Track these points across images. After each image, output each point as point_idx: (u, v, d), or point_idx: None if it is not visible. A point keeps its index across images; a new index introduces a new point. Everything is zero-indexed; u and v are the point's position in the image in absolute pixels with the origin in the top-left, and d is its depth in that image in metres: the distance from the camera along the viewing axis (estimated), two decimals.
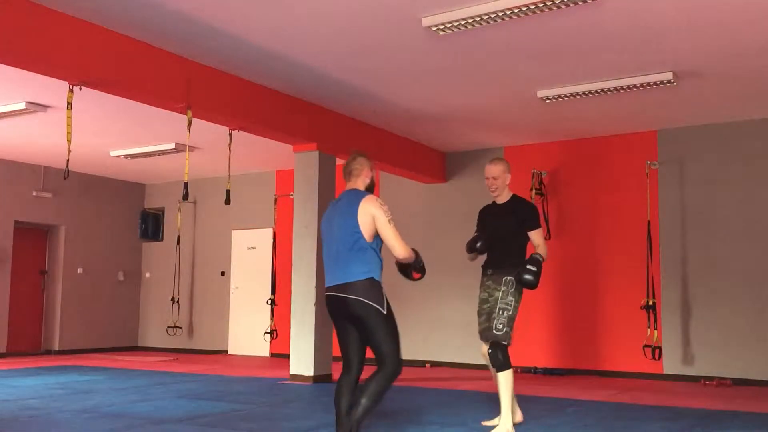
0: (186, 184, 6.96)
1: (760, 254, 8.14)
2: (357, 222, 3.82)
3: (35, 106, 8.03)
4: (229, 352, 11.98)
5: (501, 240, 4.96)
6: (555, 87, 7.33)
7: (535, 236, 4.93)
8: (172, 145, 9.90)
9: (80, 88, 6.08)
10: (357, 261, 3.81)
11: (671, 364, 8.46)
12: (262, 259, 11.67)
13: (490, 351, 4.78)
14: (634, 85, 7.04)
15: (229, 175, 8.00)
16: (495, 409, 5.61)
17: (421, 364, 9.99)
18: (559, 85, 7.28)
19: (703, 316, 8.37)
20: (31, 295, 11.87)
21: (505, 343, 4.78)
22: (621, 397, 6.92)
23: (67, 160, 6.13)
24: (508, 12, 5.35)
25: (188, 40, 6.19)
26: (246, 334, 11.78)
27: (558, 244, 9.36)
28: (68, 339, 11.94)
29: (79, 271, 12.20)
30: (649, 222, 8.49)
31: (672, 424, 5.28)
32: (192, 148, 9.95)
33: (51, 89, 7.22)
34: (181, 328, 12.19)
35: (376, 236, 3.89)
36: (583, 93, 7.30)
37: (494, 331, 4.76)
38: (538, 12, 5.38)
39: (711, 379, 8.11)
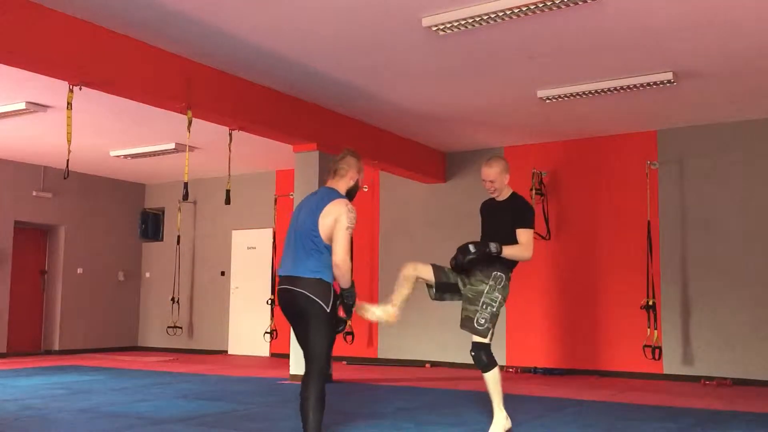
0: (186, 184, 6.96)
1: (760, 254, 8.14)
2: (318, 221, 3.79)
3: (35, 106, 8.03)
4: (229, 352, 11.99)
5: (496, 236, 4.81)
6: (555, 87, 7.33)
7: (522, 234, 4.75)
8: (172, 145, 9.90)
9: (80, 88, 6.08)
10: (310, 259, 3.78)
11: (671, 364, 8.46)
12: (262, 259, 11.67)
13: (472, 353, 4.66)
14: (634, 85, 7.04)
15: (229, 175, 8.00)
16: (490, 409, 5.62)
17: (421, 364, 9.99)
18: (559, 85, 7.28)
19: (703, 316, 8.37)
20: (31, 295, 11.87)
21: (487, 341, 4.65)
22: (621, 397, 6.92)
23: (67, 160, 6.12)
24: (508, 12, 5.35)
25: (188, 40, 6.19)
26: (246, 334, 11.78)
27: (558, 244, 9.36)
28: (68, 339, 11.94)
29: (79, 271, 12.20)
30: (649, 222, 8.49)
31: (672, 424, 5.28)
32: (192, 148, 9.95)
33: (51, 89, 7.22)
34: (181, 328, 12.19)
35: None
36: (583, 93, 7.30)
37: (475, 325, 4.62)
38: (538, 12, 5.38)
39: (711, 379, 8.11)
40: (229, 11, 5.56)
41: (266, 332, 10.86)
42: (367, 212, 10.81)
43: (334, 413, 5.72)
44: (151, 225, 13.15)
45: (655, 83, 6.94)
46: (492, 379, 4.65)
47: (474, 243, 4.65)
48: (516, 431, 4.94)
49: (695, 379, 8.25)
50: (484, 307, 4.65)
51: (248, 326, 11.73)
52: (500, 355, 9.47)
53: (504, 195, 4.95)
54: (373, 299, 10.65)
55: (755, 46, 6.12)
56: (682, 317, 8.48)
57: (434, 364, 9.97)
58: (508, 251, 4.67)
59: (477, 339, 4.65)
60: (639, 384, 8.05)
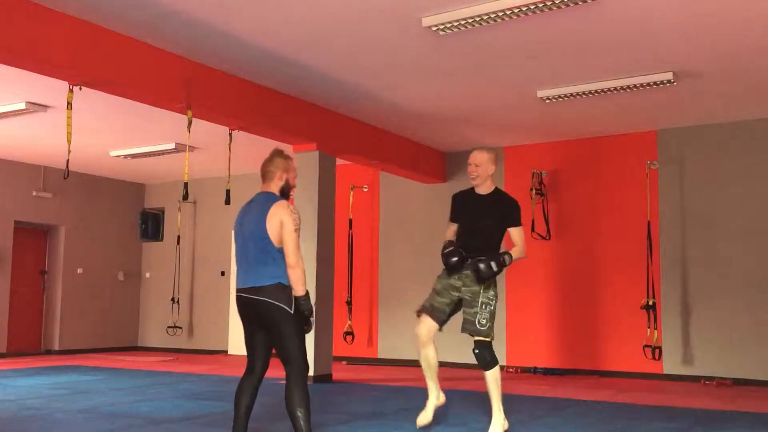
0: (186, 184, 6.96)
1: (760, 254, 8.14)
2: (265, 227, 3.81)
3: (35, 106, 8.03)
4: (229, 352, 11.98)
5: (480, 232, 4.78)
6: (555, 87, 7.33)
7: (516, 234, 4.75)
8: (172, 145, 9.89)
9: (80, 88, 6.08)
10: (266, 266, 3.81)
11: (671, 364, 8.46)
12: None
13: (476, 351, 4.66)
14: (634, 85, 7.04)
15: (229, 175, 8.00)
16: (490, 409, 5.62)
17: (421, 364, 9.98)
18: (559, 85, 7.28)
19: (703, 316, 8.37)
20: (31, 295, 11.87)
21: (490, 339, 4.67)
22: (621, 397, 6.92)
23: (67, 160, 6.12)
24: (508, 12, 5.35)
25: (188, 40, 6.19)
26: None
27: (558, 244, 9.36)
28: (68, 339, 11.94)
29: (79, 271, 12.20)
30: (649, 222, 8.49)
31: (672, 424, 5.28)
32: (192, 148, 9.94)
33: (51, 89, 7.22)
34: (181, 328, 12.18)
35: None
36: (583, 93, 7.30)
37: (478, 326, 4.62)
38: (538, 12, 5.38)
39: (711, 379, 8.11)
40: (229, 11, 5.57)
41: None
42: (367, 212, 10.81)
43: (334, 413, 5.72)
44: (151, 225, 13.15)
45: (655, 83, 6.94)
46: (493, 377, 4.66)
47: (493, 261, 4.56)
48: (516, 431, 4.94)
49: (695, 379, 8.25)
50: (483, 307, 4.66)
51: None
52: (500, 355, 9.41)
53: (486, 188, 4.87)
54: (373, 299, 10.66)
55: (755, 46, 6.12)
56: (682, 317, 8.48)
57: None
58: (516, 255, 4.70)
59: (480, 338, 4.66)
60: (639, 384, 8.05)
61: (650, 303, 8.18)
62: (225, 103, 7.10)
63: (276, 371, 9.49)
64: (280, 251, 3.82)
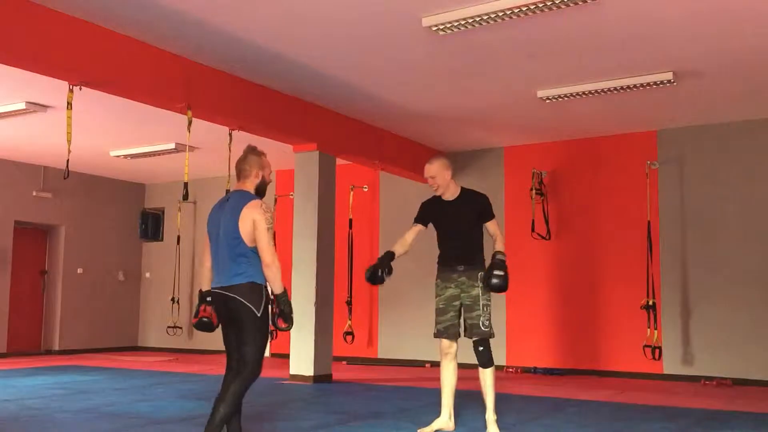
0: (186, 184, 6.96)
1: (760, 254, 8.14)
2: (238, 228, 3.81)
3: (35, 106, 8.03)
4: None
5: (462, 235, 4.90)
6: (555, 87, 7.33)
7: (492, 226, 4.91)
8: (172, 145, 9.90)
9: (80, 88, 6.08)
10: (239, 265, 3.82)
11: (671, 364, 8.46)
12: None
13: (481, 348, 4.77)
14: (634, 85, 7.04)
15: (229, 175, 7.99)
16: (496, 409, 5.62)
17: (421, 364, 9.98)
18: (559, 85, 7.28)
19: (703, 316, 8.37)
20: (31, 295, 11.87)
21: (492, 338, 4.82)
22: (621, 397, 6.92)
23: (67, 160, 6.11)
24: (508, 12, 5.35)
25: (188, 40, 6.19)
26: None
27: (558, 244, 9.36)
28: (68, 339, 11.94)
29: (79, 271, 12.20)
30: (649, 222, 8.49)
31: (672, 424, 5.29)
32: (192, 148, 9.94)
33: (51, 89, 7.22)
34: (181, 328, 12.18)
35: None
36: (583, 93, 7.30)
37: (482, 327, 4.75)
38: (538, 12, 5.38)
39: (711, 379, 8.11)
40: (230, 11, 5.57)
41: None
42: (367, 212, 10.81)
43: (334, 413, 5.73)
44: (151, 225, 13.15)
45: (655, 83, 6.94)
46: (492, 374, 4.78)
47: (501, 267, 4.68)
48: (516, 431, 4.94)
49: (695, 379, 8.25)
50: (484, 309, 4.79)
51: None
52: (500, 355, 9.47)
53: (453, 193, 4.99)
54: (373, 299, 10.66)
55: (755, 46, 6.12)
56: (682, 317, 8.48)
57: (434, 364, 9.96)
58: (500, 244, 4.84)
59: (482, 337, 4.78)
60: (639, 384, 8.05)
61: (650, 303, 8.18)
62: (225, 103, 7.10)
63: (277, 371, 9.48)
64: (254, 250, 3.84)
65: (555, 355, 9.21)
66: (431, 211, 5.12)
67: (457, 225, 4.95)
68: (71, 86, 5.99)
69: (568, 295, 9.25)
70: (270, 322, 3.92)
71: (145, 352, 12.43)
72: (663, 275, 8.59)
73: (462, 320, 4.88)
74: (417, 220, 5.16)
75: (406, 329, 10.25)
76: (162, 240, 13.10)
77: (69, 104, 5.95)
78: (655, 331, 8.22)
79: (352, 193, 10.67)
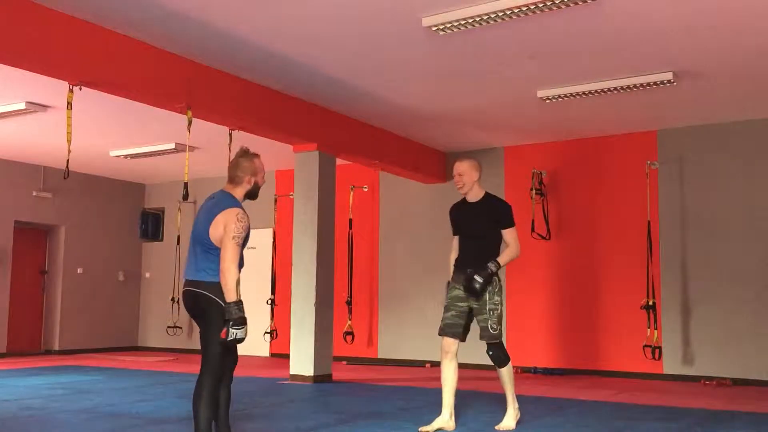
0: (186, 184, 6.96)
1: (760, 254, 8.14)
2: (209, 231, 3.83)
3: (35, 106, 8.03)
4: None
5: (476, 240, 4.96)
6: (555, 87, 7.33)
7: (509, 235, 4.93)
8: (172, 145, 9.90)
9: (80, 88, 6.08)
10: (209, 263, 3.83)
11: (671, 364, 8.46)
12: (262, 259, 11.67)
13: (490, 353, 4.91)
14: (634, 85, 7.04)
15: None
16: (496, 409, 5.62)
17: (421, 364, 9.99)
18: (559, 85, 7.28)
19: (703, 316, 8.37)
20: (31, 295, 11.87)
21: (501, 341, 4.93)
22: (621, 397, 6.92)
23: (67, 160, 6.12)
24: (508, 12, 5.35)
25: (188, 40, 6.19)
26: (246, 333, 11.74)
27: (558, 244, 9.36)
28: (68, 339, 11.94)
29: (79, 271, 12.20)
30: (649, 222, 8.49)
31: (672, 424, 5.29)
32: (192, 148, 9.94)
33: (51, 89, 7.22)
34: (181, 328, 12.17)
35: None
36: (583, 93, 7.30)
37: (491, 331, 4.84)
38: (538, 12, 5.38)
39: (711, 379, 8.11)
40: (230, 11, 5.57)
41: (266, 332, 10.85)
42: (367, 212, 10.81)
43: (335, 413, 5.73)
44: (151, 225, 13.15)
45: (655, 83, 6.94)
46: (508, 372, 4.94)
47: (477, 274, 4.76)
48: (516, 431, 4.95)
49: (695, 379, 8.25)
50: (491, 313, 4.86)
51: (248, 326, 11.69)
52: None
53: (476, 195, 5.05)
54: (373, 299, 10.66)
55: (755, 46, 6.12)
56: (682, 317, 8.49)
57: (434, 364, 9.96)
58: (504, 260, 4.89)
59: (493, 341, 4.89)
60: (639, 384, 8.05)
61: (650, 303, 8.18)
62: (225, 103, 7.10)
63: (277, 371, 9.48)
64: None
65: (555, 355, 9.21)
66: (454, 215, 5.21)
67: (473, 228, 5.02)
68: (71, 86, 5.99)
69: (568, 295, 9.25)
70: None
71: (145, 352, 12.43)
72: (663, 275, 8.59)
73: (470, 323, 5.00)
74: (453, 233, 5.22)
75: (406, 329, 10.25)
76: (162, 240, 13.10)
77: (69, 104, 5.96)
78: (655, 331, 8.22)
79: (352, 193, 10.67)
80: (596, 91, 7.22)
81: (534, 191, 9.31)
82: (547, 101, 7.63)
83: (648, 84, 6.97)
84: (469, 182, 5.01)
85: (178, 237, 12.21)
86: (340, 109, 8.32)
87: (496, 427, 4.94)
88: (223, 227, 3.78)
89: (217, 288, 3.78)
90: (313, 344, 7.94)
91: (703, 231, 8.49)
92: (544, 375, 8.95)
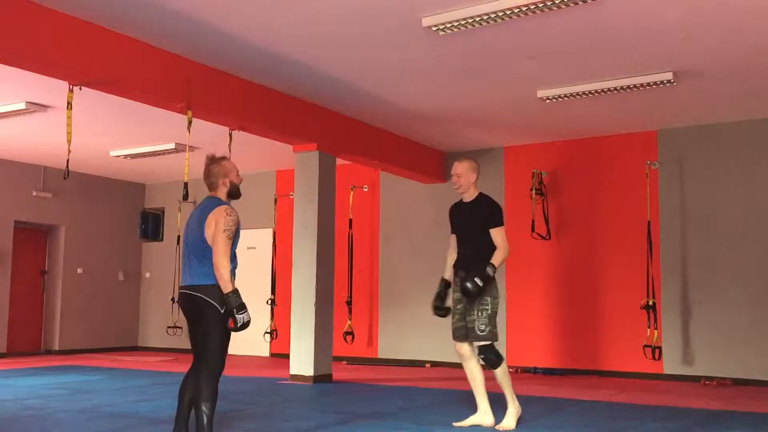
0: (186, 184, 6.96)
1: (760, 254, 8.14)
2: (203, 232, 3.98)
3: (35, 106, 8.03)
4: (228, 353, 11.94)
5: (470, 239, 5.01)
6: (555, 87, 7.33)
7: (496, 234, 4.94)
8: (172, 145, 9.90)
9: (80, 88, 6.08)
10: (203, 267, 3.97)
11: (671, 364, 8.46)
12: (262, 259, 11.67)
13: (481, 356, 4.89)
14: (634, 85, 7.04)
15: None
16: (498, 409, 5.61)
17: (421, 364, 9.99)
18: (559, 85, 7.28)
19: (703, 316, 8.37)
20: (31, 295, 11.87)
21: (491, 342, 4.87)
22: (621, 397, 6.92)
23: (67, 160, 6.12)
24: (508, 12, 5.35)
25: (188, 40, 6.18)
26: (246, 334, 11.70)
27: (558, 244, 9.36)
28: (68, 339, 11.94)
29: (79, 271, 12.20)
30: (649, 222, 8.49)
31: (672, 424, 5.29)
32: (192, 148, 9.93)
33: (51, 89, 7.22)
34: (181, 328, 12.14)
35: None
36: (583, 93, 7.30)
37: (477, 332, 4.83)
38: (538, 12, 5.38)
39: (711, 379, 8.11)
40: (230, 11, 5.56)
41: (266, 332, 10.86)
42: (367, 212, 10.81)
43: (335, 413, 5.73)
44: (151, 225, 13.15)
45: (655, 83, 6.94)
46: (502, 373, 4.90)
47: (473, 278, 4.78)
48: (516, 431, 4.95)
49: (695, 379, 8.25)
50: (480, 313, 4.85)
51: (248, 326, 11.70)
52: None
53: (471, 195, 5.11)
54: (373, 299, 10.66)
55: (755, 46, 6.12)
56: (682, 317, 8.48)
57: (434, 364, 9.96)
58: (497, 261, 4.89)
59: (482, 343, 4.87)
60: (639, 384, 8.05)
61: (650, 303, 8.18)
62: (225, 103, 7.10)
63: (277, 371, 9.47)
64: None
65: (555, 355, 9.21)
66: (452, 215, 5.27)
67: (466, 229, 5.07)
68: (71, 86, 5.99)
69: (568, 295, 9.25)
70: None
71: (145, 352, 12.43)
72: (663, 275, 8.59)
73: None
74: (451, 231, 5.29)
75: (406, 329, 10.25)
76: (162, 240, 13.10)
77: (69, 104, 5.96)
78: (655, 331, 8.22)
79: (352, 193, 10.67)
80: (596, 91, 7.22)
81: (534, 191, 9.31)
82: (547, 101, 7.63)
83: (648, 84, 6.97)
84: (467, 183, 5.07)
85: (178, 237, 12.18)
86: (340, 109, 8.32)
87: (497, 427, 4.95)
88: (215, 224, 3.95)
89: (212, 290, 3.94)
90: (313, 344, 7.94)
91: (703, 231, 8.49)
92: (544, 375, 8.95)
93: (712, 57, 6.42)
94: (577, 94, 7.33)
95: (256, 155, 10.52)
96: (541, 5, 5.24)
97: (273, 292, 10.83)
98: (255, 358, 11.27)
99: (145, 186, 13.41)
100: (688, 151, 8.69)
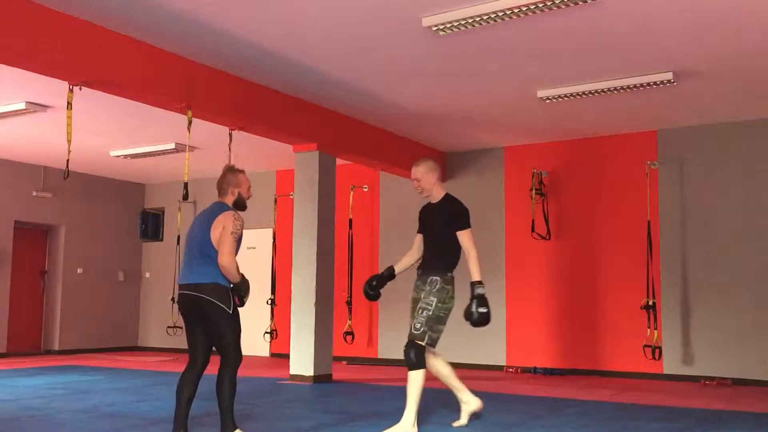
0: (186, 184, 6.96)
1: (760, 254, 8.14)
2: (209, 234, 4.21)
3: (35, 106, 8.03)
4: None
5: (432, 241, 4.94)
6: (555, 87, 7.33)
7: (463, 238, 4.81)
8: (172, 145, 9.90)
9: (80, 88, 6.08)
10: (207, 267, 4.20)
11: (671, 364, 8.46)
12: (262, 259, 11.67)
13: (404, 349, 4.73)
14: (634, 85, 7.04)
15: None
16: (490, 409, 5.62)
17: None
18: (559, 85, 7.28)
19: (703, 316, 8.37)
20: (31, 295, 11.87)
21: (421, 342, 4.71)
22: (621, 397, 6.92)
23: (67, 160, 6.12)
24: (508, 12, 5.35)
25: (188, 40, 6.19)
26: (246, 334, 11.64)
27: (558, 244, 9.36)
28: (68, 339, 11.94)
29: (79, 271, 12.20)
30: (649, 222, 8.49)
31: (672, 424, 5.29)
32: (192, 148, 9.95)
33: (51, 89, 7.22)
34: (181, 327, 12.15)
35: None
36: (583, 93, 7.30)
37: (412, 330, 4.72)
38: (538, 12, 5.38)
39: (711, 379, 8.11)
40: (230, 11, 5.56)
41: (266, 332, 10.86)
42: (367, 212, 10.81)
43: (335, 413, 5.73)
44: (151, 225, 13.15)
45: (655, 83, 6.94)
46: (414, 379, 4.67)
47: (482, 303, 4.66)
48: (516, 431, 4.94)
49: (695, 379, 8.25)
50: (420, 311, 4.73)
51: (248, 326, 11.60)
52: (500, 355, 9.47)
53: (438, 196, 5.04)
54: None
55: (755, 46, 6.12)
56: (682, 317, 8.48)
57: None
58: (475, 271, 4.75)
59: (410, 337, 4.74)
60: (639, 384, 8.05)
61: (650, 303, 8.18)
62: (225, 103, 7.10)
63: (277, 371, 9.46)
64: None
65: (555, 355, 9.21)
66: (420, 216, 5.20)
67: (429, 229, 4.98)
68: (71, 86, 6.00)
69: (568, 295, 9.24)
70: (237, 309, 4.36)
71: (145, 352, 12.43)
72: (663, 275, 8.59)
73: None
74: (417, 231, 5.23)
75: (406, 329, 10.22)
76: (162, 240, 13.10)
77: (69, 104, 5.96)
78: (655, 331, 8.22)
79: (352, 193, 10.67)
80: (596, 91, 7.22)
81: (534, 191, 9.31)
82: (547, 101, 7.63)
83: (648, 84, 6.98)
84: (428, 185, 5.00)
85: (178, 237, 12.19)
86: (340, 109, 8.32)
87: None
88: (222, 227, 4.19)
89: (216, 290, 4.18)
90: (313, 344, 7.94)
91: (703, 231, 8.49)
92: (544, 375, 8.95)
93: (712, 57, 6.43)
94: (577, 94, 7.33)
95: (256, 155, 10.52)
96: (541, 5, 5.24)
97: (273, 292, 10.83)
98: (255, 358, 11.27)
99: (145, 186, 13.41)
100: (688, 151, 8.69)
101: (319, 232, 8.13)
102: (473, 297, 4.70)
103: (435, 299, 4.74)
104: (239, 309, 4.38)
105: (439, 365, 4.99)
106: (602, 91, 7.21)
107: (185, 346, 4.54)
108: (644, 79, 6.91)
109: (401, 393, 7.03)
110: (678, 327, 8.49)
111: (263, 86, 7.46)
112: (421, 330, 4.70)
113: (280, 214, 11.31)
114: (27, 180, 11.46)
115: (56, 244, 12.10)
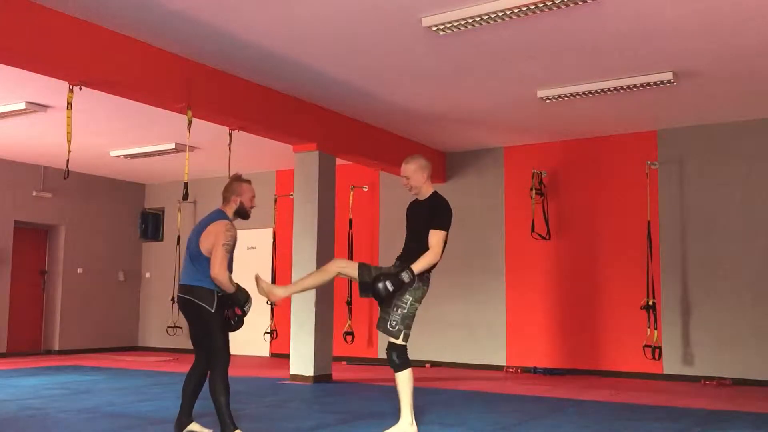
0: (186, 184, 6.96)
1: (760, 254, 8.14)
2: (199, 241, 4.37)
3: (35, 106, 8.03)
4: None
5: (414, 238, 4.81)
6: (555, 87, 7.33)
7: (432, 236, 4.64)
8: (172, 145, 9.90)
9: (80, 88, 6.08)
10: (197, 271, 4.38)
11: (671, 364, 8.46)
12: (262, 259, 11.66)
13: (387, 351, 4.65)
14: (634, 85, 7.04)
15: (229, 175, 7.99)
16: (490, 409, 5.62)
17: (421, 364, 9.98)
18: (559, 85, 7.28)
19: (703, 316, 8.37)
20: (31, 295, 11.87)
21: (401, 342, 4.63)
22: (621, 397, 6.92)
23: (67, 160, 6.12)
24: (508, 12, 5.35)
25: (188, 40, 6.19)
26: (246, 334, 11.72)
27: (558, 244, 9.36)
28: (68, 339, 11.94)
29: (79, 271, 12.20)
30: (649, 222, 8.48)
31: (672, 424, 5.29)
32: (192, 148, 9.94)
33: (51, 89, 7.22)
34: (181, 327, 12.16)
35: None
36: (583, 93, 7.30)
37: (388, 327, 4.62)
38: (538, 12, 5.38)
39: (711, 379, 8.11)
40: (229, 11, 5.57)
41: (266, 332, 10.86)
42: (367, 212, 10.81)
43: (334, 413, 5.73)
44: (151, 225, 13.15)
45: (655, 83, 6.95)
46: (402, 380, 4.60)
47: (388, 280, 4.51)
48: (516, 431, 4.95)
49: (695, 379, 8.25)
50: (395, 309, 4.63)
51: (248, 326, 11.59)
52: (500, 355, 9.47)
53: (425, 194, 4.85)
54: (373, 299, 10.63)
55: (755, 46, 6.12)
56: (682, 317, 8.48)
57: (434, 364, 9.96)
58: (419, 267, 4.57)
59: (391, 340, 4.65)
60: (639, 384, 8.05)
61: (650, 303, 8.18)
62: (225, 103, 7.10)
63: (277, 371, 9.47)
64: (207, 260, 4.34)
65: (555, 355, 9.21)
66: (407, 212, 5.03)
67: (411, 227, 4.89)
68: (71, 86, 6.00)
69: (568, 295, 9.24)
70: (226, 315, 4.46)
71: (145, 352, 12.43)
72: (663, 275, 8.59)
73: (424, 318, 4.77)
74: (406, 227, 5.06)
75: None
76: (162, 240, 13.10)
77: (69, 104, 5.96)
78: (655, 331, 8.22)
79: (352, 193, 10.67)
80: (596, 91, 7.22)
81: (534, 191, 9.31)
82: (547, 101, 7.63)
83: (648, 84, 6.98)
84: (417, 183, 4.81)
85: (178, 237, 12.20)
86: (340, 109, 8.32)
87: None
88: (214, 236, 4.32)
89: (200, 291, 4.34)
90: (313, 344, 7.94)
91: (703, 231, 8.49)
92: (544, 375, 8.95)
93: (712, 57, 6.43)
94: (577, 94, 7.33)
95: (256, 155, 10.52)
96: (541, 5, 5.24)
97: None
98: (255, 358, 11.27)
99: (145, 186, 13.41)
100: (688, 151, 8.69)
101: (319, 232, 8.13)
102: (394, 274, 4.54)
103: (411, 298, 4.64)
104: (244, 319, 4.52)
105: (324, 278, 4.90)
106: (602, 91, 7.21)
107: (185, 346, 4.62)
108: (644, 79, 6.91)
109: None
110: (678, 327, 8.49)
111: (263, 86, 7.46)
112: (397, 328, 4.61)
113: (280, 214, 11.31)
114: (27, 180, 11.46)
115: (56, 244, 12.10)
